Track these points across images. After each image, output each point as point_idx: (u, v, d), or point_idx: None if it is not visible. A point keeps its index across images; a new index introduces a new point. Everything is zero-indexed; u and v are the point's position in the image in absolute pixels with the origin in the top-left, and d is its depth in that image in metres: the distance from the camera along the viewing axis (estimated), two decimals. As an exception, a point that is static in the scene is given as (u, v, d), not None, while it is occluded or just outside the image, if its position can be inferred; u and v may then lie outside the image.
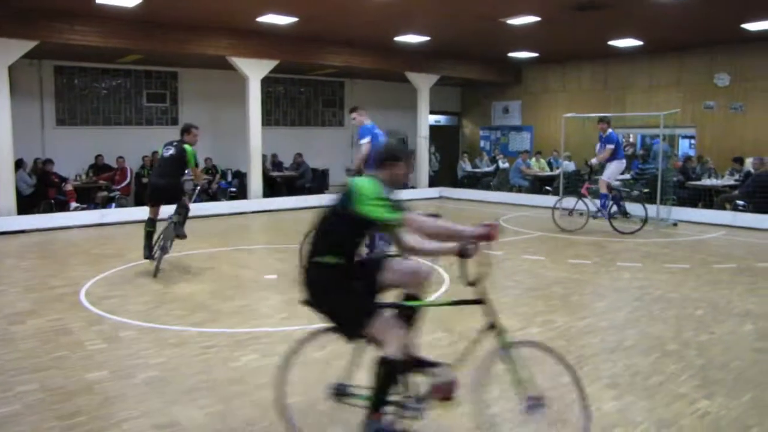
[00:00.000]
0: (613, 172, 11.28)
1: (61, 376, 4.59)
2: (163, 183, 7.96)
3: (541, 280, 7.69)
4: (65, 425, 3.83)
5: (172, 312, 6.27)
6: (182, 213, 8.10)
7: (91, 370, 4.70)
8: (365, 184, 3.30)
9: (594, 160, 11.24)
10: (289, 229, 12.08)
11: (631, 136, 18.33)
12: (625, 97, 17.28)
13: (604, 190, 11.17)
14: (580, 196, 11.44)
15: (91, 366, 4.79)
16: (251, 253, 9.64)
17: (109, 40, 12.33)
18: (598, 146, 11.49)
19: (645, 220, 10.91)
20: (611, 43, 15.05)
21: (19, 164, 12.98)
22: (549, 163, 17.74)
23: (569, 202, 11.89)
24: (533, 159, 17.75)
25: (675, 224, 12.00)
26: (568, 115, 14.66)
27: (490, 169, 18.84)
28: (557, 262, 8.74)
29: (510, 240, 10.62)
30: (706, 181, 13.82)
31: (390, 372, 3.33)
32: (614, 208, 11.14)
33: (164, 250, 7.97)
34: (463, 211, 14.96)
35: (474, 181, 18.77)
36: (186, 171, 8.27)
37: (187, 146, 7.96)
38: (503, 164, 18.49)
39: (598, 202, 11.28)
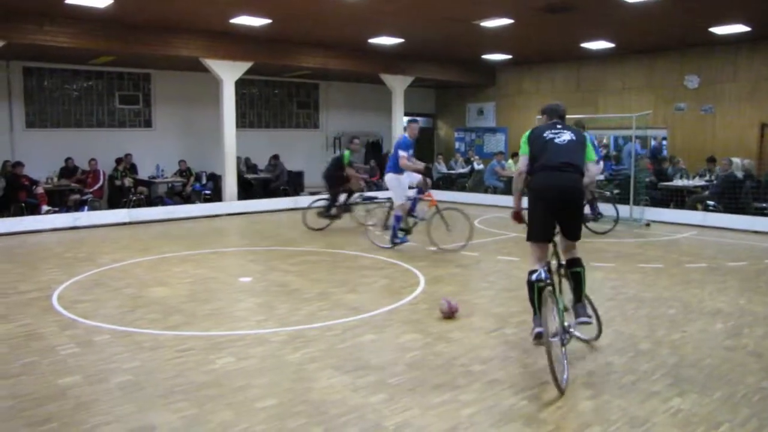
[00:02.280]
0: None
1: (31, 382, 4.51)
2: (326, 173, 12.02)
3: (515, 281, 7.71)
4: (36, 432, 3.77)
5: (146, 315, 6.20)
6: (329, 200, 11.80)
7: (63, 376, 4.62)
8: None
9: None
10: (264, 231, 12.03)
11: (604, 138, 18.50)
12: (597, 98, 17.48)
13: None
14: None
15: (63, 371, 4.71)
16: (226, 256, 9.57)
17: (80, 42, 12.18)
18: None
19: (616, 220, 11.19)
20: (583, 45, 15.23)
21: (-13, 167, 12.78)
22: (524, 165, 17.80)
23: None
24: (509, 160, 17.84)
25: (648, 224, 12.15)
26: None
27: (465, 170, 18.92)
28: (532, 262, 8.77)
29: (485, 241, 10.68)
30: (678, 182, 14.01)
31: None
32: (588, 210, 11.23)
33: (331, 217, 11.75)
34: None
35: (449, 182, 18.84)
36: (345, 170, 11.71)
37: (346, 152, 11.86)
38: (478, 166, 18.57)
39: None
